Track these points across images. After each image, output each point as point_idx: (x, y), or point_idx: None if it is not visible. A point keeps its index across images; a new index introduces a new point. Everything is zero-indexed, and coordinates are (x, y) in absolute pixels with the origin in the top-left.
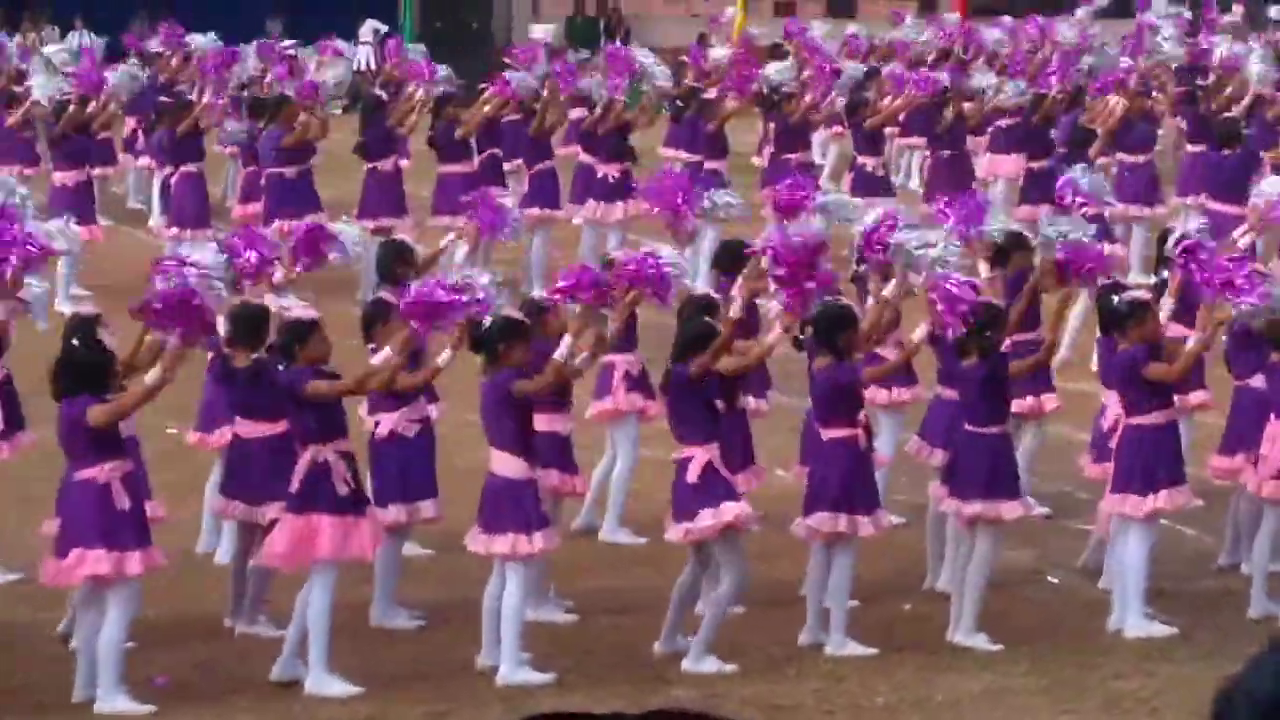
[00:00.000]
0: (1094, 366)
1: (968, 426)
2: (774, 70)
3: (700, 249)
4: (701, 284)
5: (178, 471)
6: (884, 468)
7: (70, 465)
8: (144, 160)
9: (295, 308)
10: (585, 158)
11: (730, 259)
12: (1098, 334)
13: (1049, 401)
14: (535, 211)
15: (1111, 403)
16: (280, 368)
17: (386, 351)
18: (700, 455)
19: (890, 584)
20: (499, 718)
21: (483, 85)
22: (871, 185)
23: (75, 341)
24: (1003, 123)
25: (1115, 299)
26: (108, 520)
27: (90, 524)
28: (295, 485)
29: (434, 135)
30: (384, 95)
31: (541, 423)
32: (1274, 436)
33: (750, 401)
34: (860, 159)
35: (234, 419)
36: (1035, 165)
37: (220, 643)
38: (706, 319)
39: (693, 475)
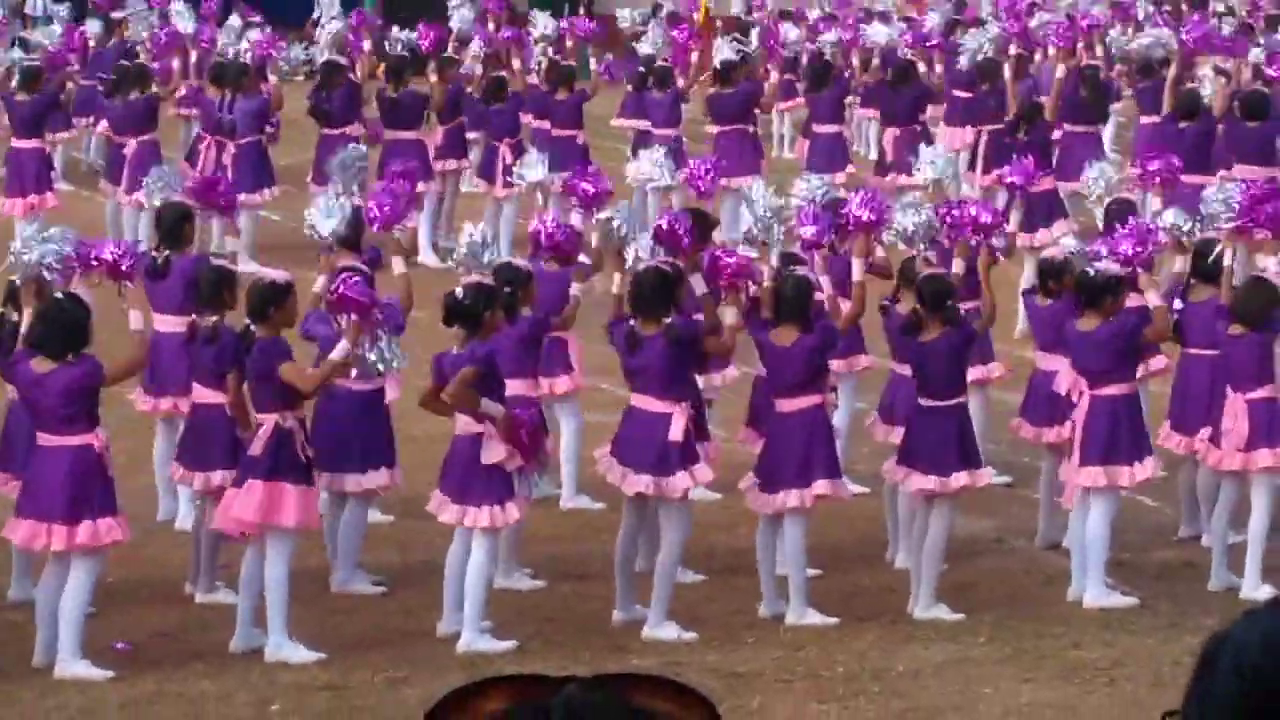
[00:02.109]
0: (1017, 332)
1: (931, 400)
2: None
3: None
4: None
5: (139, 438)
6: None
7: (59, 429)
8: (103, 125)
9: (269, 272)
10: (538, 124)
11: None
12: (1029, 298)
13: (996, 369)
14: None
15: (1064, 369)
16: (252, 331)
17: (344, 345)
18: (680, 414)
19: (851, 553)
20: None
21: (445, 54)
22: (830, 154)
23: (59, 295)
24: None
25: (1092, 271)
26: (109, 487)
27: (97, 491)
28: (258, 452)
29: (383, 101)
30: (344, 61)
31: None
32: (1234, 409)
33: (717, 378)
34: (818, 127)
35: (193, 387)
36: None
37: (180, 610)
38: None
39: (676, 434)
